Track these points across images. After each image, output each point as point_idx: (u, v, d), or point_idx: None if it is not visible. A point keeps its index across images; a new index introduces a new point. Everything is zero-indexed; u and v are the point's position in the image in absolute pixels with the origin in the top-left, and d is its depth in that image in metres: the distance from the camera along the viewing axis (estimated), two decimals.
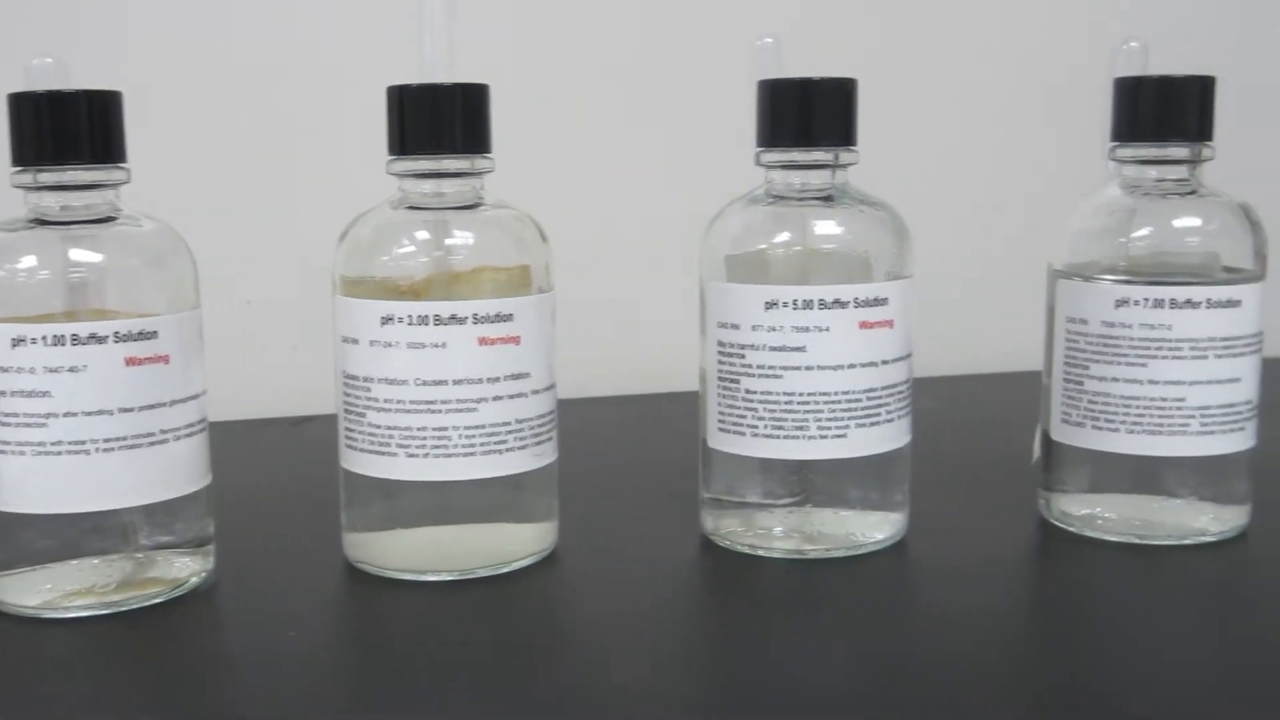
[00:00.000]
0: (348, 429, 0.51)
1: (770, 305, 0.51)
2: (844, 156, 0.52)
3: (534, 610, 0.50)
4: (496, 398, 0.50)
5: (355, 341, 0.50)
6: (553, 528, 0.54)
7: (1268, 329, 0.55)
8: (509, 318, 0.50)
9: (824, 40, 0.79)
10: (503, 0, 0.82)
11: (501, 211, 0.52)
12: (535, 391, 0.51)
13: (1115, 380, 0.54)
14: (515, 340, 0.50)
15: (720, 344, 0.53)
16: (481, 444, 0.50)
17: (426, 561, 0.51)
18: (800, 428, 0.52)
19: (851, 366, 0.51)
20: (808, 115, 0.52)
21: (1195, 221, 0.55)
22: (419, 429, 0.49)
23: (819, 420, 0.51)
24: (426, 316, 0.49)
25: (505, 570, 0.52)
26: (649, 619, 0.48)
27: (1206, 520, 0.55)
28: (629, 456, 0.72)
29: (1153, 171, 0.55)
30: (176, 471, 0.49)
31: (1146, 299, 0.53)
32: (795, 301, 0.51)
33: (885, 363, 0.52)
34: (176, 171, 0.76)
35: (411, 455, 0.50)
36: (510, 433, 0.50)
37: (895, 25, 0.88)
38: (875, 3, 0.88)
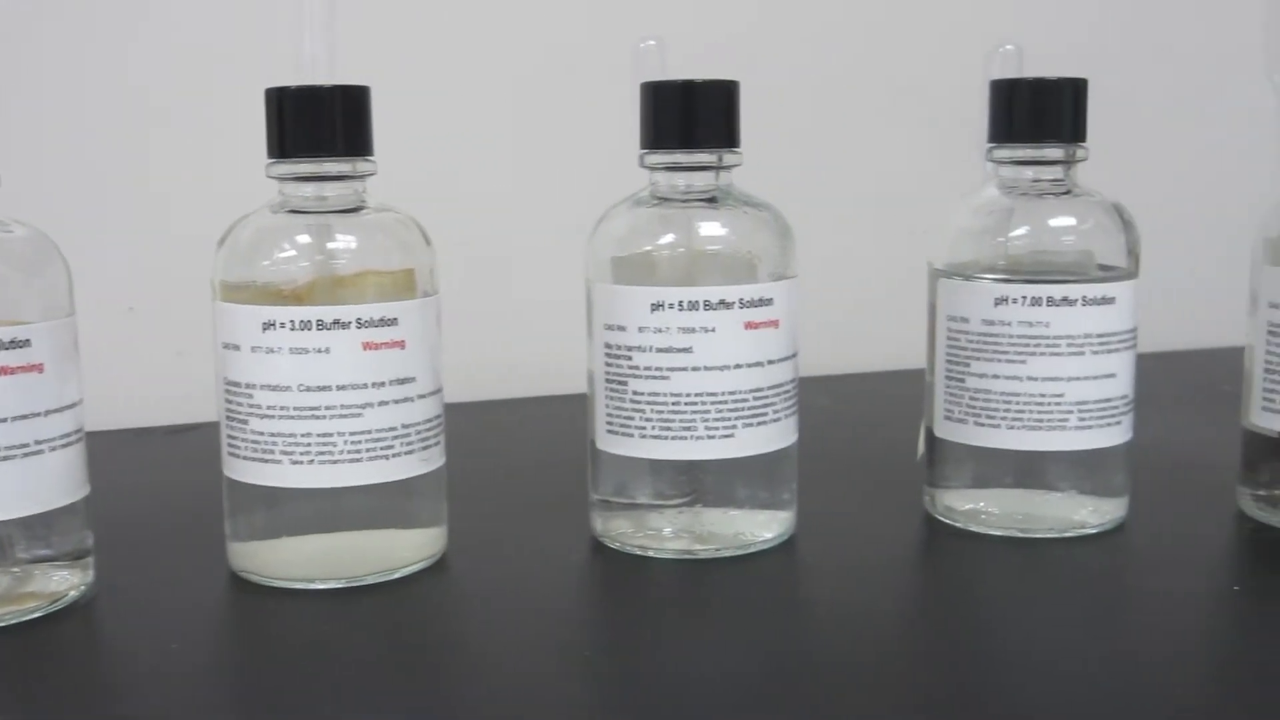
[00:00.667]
0: (230, 437, 0.51)
1: (656, 307, 0.51)
2: (727, 158, 0.53)
3: (424, 617, 0.49)
4: (382, 403, 0.49)
5: (236, 348, 0.49)
6: (442, 533, 0.54)
7: (1140, 325, 0.56)
8: (393, 322, 0.49)
9: (706, 42, 0.80)
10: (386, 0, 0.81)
11: (385, 215, 0.51)
12: (421, 396, 0.51)
13: (995, 377, 0.55)
14: (400, 345, 0.50)
15: (607, 346, 0.53)
16: (368, 449, 0.49)
17: (314, 570, 0.51)
18: (688, 428, 0.52)
19: (738, 367, 0.52)
20: (691, 117, 0.52)
21: (1070, 221, 0.56)
22: (303, 435, 0.49)
23: (706, 421, 0.52)
24: (309, 321, 0.48)
25: (394, 577, 0.51)
26: (540, 622, 0.48)
27: (1086, 513, 0.56)
28: (518, 460, 0.71)
29: (1029, 172, 0.56)
30: (52, 483, 0.47)
31: (1024, 297, 0.54)
32: (681, 303, 0.51)
33: (771, 362, 0.53)
34: (51, 177, 0.75)
35: (296, 462, 0.49)
36: (397, 438, 0.50)
37: (777, 27, 0.89)
38: (756, 5, 0.88)
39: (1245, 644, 0.47)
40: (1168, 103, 0.98)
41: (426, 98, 0.81)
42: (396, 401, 0.50)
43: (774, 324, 0.52)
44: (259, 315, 0.49)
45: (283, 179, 0.50)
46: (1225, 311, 0.73)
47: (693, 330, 0.51)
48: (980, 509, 0.57)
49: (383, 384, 0.49)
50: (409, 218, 0.52)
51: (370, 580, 0.51)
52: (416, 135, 0.77)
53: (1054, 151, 0.55)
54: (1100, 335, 0.54)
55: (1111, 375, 0.55)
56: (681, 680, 0.43)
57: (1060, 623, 0.49)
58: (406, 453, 0.50)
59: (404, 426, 0.50)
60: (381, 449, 0.50)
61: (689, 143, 0.52)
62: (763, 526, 0.55)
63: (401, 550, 0.52)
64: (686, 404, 0.52)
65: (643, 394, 0.52)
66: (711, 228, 0.53)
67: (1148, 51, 0.97)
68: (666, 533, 0.54)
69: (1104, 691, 0.42)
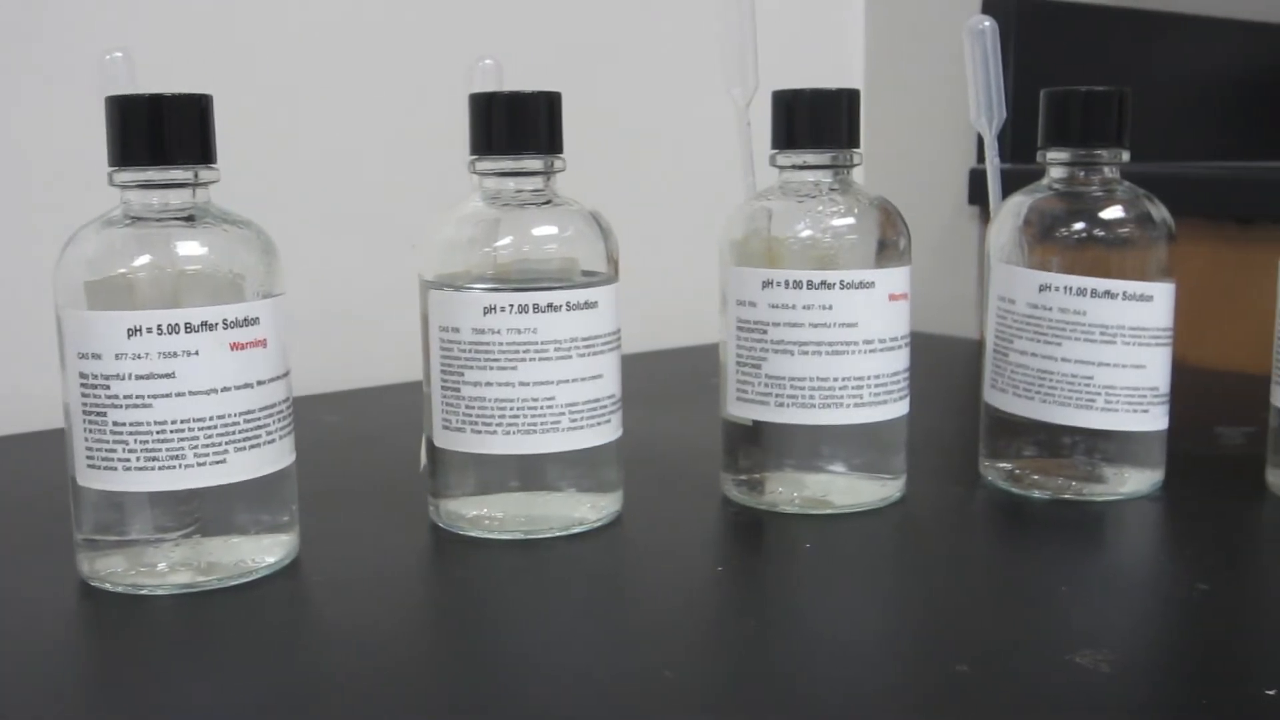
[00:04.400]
0: None
1: (133, 332, 0.49)
2: (204, 174, 0.51)
3: None
4: None
5: None
6: None
7: (624, 327, 0.59)
8: None
9: (177, 54, 0.77)
10: None
11: None
12: None
13: (489, 384, 0.56)
14: None
15: (82, 375, 0.50)
16: None
17: None
18: (176, 457, 0.50)
19: (225, 390, 0.50)
20: (161, 132, 0.50)
21: (552, 230, 0.58)
22: None
23: (195, 447, 0.50)
24: None
25: None
26: (20, 680, 0.45)
27: (585, 510, 0.59)
28: None
29: (511, 183, 0.57)
30: None
31: (513, 305, 0.55)
32: (160, 326, 0.49)
33: (261, 383, 0.51)
34: None
35: None
36: None
37: (255, 37, 0.86)
38: (232, 15, 0.86)
39: (727, 619, 0.51)
40: (640, 114, 1.03)
41: None
42: None
43: (262, 343, 0.51)
44: None
45: None
46: (701, 310, 0.78)
47: (175, 354, 0.49)
48: (485, 515, 0.58)
49: None
50: None
51: None
52: None
53: (533, 163, 0.57)
54: (586, 339, 0.56)
55: (599, 376, 0.57)
56: None
57: (565, 617, 0.50)
58: None
59: None
60: None
61: (161, 159, 0.50)
62: (266, 551, 0.53)
63: None
64: (172, 431, 0.49)
65: (124, 424, 0.49)
66: (190, 247, 0.51)
67: (622, 65, 1.02)
68: (162, 568, 0.51)
69: (607, 679, 0.44)
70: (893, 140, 1.14)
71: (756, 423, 0.61)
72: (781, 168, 0.61)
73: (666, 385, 0.89)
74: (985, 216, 0.67)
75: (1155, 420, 0.62)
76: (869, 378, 0.59)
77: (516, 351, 0.55)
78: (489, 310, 0.55)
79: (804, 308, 0.59)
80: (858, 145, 0.60)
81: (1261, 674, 0.44)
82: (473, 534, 0.58)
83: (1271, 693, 0.42)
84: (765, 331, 0.59)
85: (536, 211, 0.57)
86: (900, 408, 0.61)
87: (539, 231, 0.58)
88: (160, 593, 0.51)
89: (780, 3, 1.07)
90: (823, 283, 0.58)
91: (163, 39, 0.81)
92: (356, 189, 0.90)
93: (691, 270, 0.84)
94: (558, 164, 0.57)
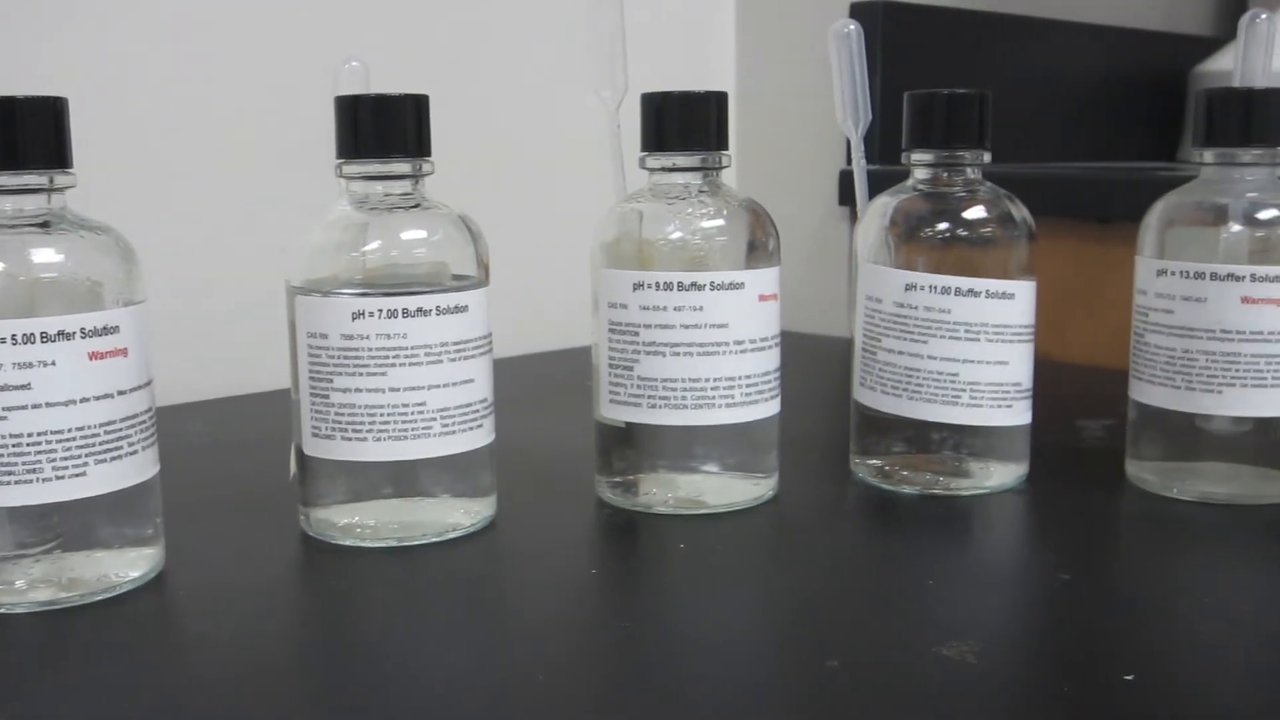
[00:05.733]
0: None
1: None
2: (60, 179, 0.50)
3: None
4: None
5: None
6: None
7: (497, 331, 0.58)
8: None
9: (35, 55, 0.75)
10: None
11: None
12: None
13: (359, 390, 0.55)
14: None
15: None
16: None
17: None
18: (33, 471, 0.48)
19: (84, 400, 0.49)
20: (12, 136, 0.48)
21: (421, 234, 0.58)
22: None
23: (53, 461, 0.48)
24: None
25: None
26: None
27: (459, 515, 0.58)
28: None
29: (379, 186, 0.57)
30: None
31: (382, 310, 0.55)
32: (15, 336, 0.47)
33: (122, 393, 0.50)
34: None
35: None
36: None
37: (110, 40, 0.84)
38: (93, 15, 0.84)
39: (602, 621, 0.51)
40: (510, 116, 1.03)
41: None
42: None
43: (122, 352, 0.50)
44: None
45: None
46: (574, 313, 0.78)
47: (30, 365, 0.48)
48: (357, 523, 0.57)
49: None
50: None
51: None
52: None
53: (402, 166, 0.56)
54: (457, 343, 0.56)
55: (470, 381, 0.57)
56: None
57: (440, 623, 0.50)
58: None
59: None
60: None
61: (13, 163, 0.49)
62: (130, 565, 0.52)
63: None
64: (29, 444, 0.48)
65: None
66: (46, 254, 0.50)
67: (491, 67, 1.01)
68: (21, 585, 0.50)
69: (481, 684, 0.44)
70: (764, 142, 1.15)
71: (629, 424, 0.61)
72: (651, 170, 0.61)
73: (539, 389, 0.89)
74: (855, 217, 0.68)
75: (1019, 415, 0.63)
76: (740, 378, 0.60)
77: (386, 357, 0.55)
78: (357, 316, 0.54)
79: (675, 309, 0.59)
80: (726, 147, 0.61)
81: (1120, 660, 0.46)
82: (345, 542, 0.57)
83: (1130, 677, 0.44)
84: (637, 333, 0.59)
85: (405, 215, 0.57)
86: (772, 407, 0.62)
87: (407, 235, 0.57)
88: (20, 610, 0.50)
89: (650, 5, 1.07)
90: (693, 284, 0.59)
91: (15, 39, 0.79)
92: (220, 192, 0.89)
93: (563, 273, 0.84)
94: (426, 167, 0.57)
